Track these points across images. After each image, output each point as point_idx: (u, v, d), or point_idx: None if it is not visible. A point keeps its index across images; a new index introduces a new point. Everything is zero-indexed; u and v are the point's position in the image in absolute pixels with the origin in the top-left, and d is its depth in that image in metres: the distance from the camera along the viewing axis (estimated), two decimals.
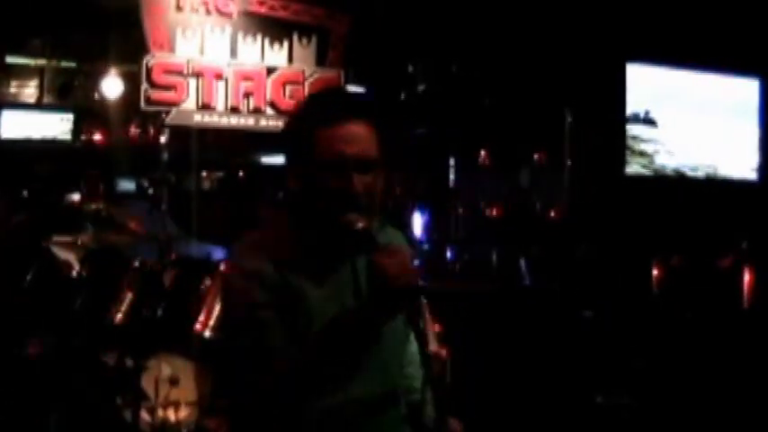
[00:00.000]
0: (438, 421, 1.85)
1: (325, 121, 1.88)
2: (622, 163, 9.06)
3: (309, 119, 1.92)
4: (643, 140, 9.18)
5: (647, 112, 9.16)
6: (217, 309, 3.95)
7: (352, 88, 7.92)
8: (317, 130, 1.88)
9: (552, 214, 9.82)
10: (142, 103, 6.36)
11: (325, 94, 2.18)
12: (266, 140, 8.23)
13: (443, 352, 4.49)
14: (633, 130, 9.13)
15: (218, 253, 5.18)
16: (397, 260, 1.76)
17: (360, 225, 1.81)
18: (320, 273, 1.89)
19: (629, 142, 9.10)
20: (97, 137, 11.11)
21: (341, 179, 1.84)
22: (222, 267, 4.05)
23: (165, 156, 6.87)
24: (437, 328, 4.48)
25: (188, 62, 6.38)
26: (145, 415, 4.11)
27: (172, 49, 6.34)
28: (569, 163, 9.13)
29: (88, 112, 11.00)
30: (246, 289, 1.83)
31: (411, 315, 1.79)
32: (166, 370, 4.23)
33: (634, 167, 9.17)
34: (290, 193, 1.95)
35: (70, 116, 10.90)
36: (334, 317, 1.80)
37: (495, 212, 10.20)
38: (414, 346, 1.98)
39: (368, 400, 1.87)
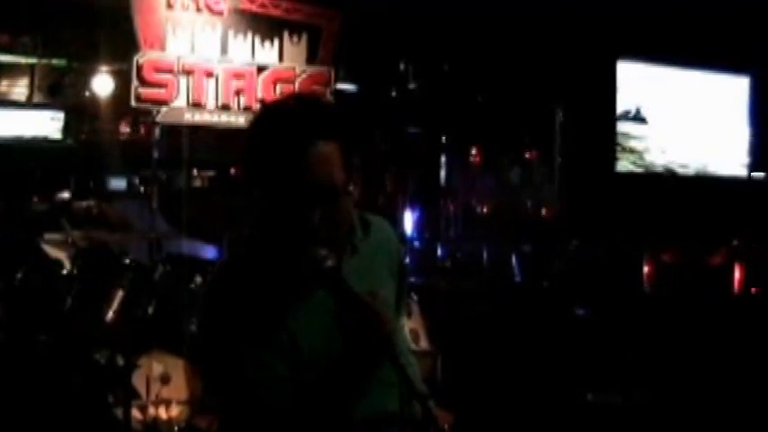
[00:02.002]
0: (426, 418, 1.80)
1: (284, 145, 1.68)
2: (613, 160, 9.09)
3: (267, 140, 1.71)
4: (633, 138, 9.21)
5: (637, 110, 9.19)
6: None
7: (340, 85, 7.93)
8: (276, 154, 1.68)
9: (543, 212, 9.84)
10: (132, 101, 6.33)
11: (282, 112, 1.80)
12: None
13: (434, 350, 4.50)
14: (623, 127, 9.16)
15: (208, 251, 5.18)
16: (368, 316, 1.66)
17: (329, 263, 1.67)
18: (299, 298, 1.77)
19: (620, 139, 9.13)
20: (88, 135, 11.08)
21: (305, 211, 1.68)
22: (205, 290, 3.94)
23: (156, 154, 6.85)
24: (427, 325, 4.50)
25: (178, 60, 6.36)
26: (136, 413, 4.11)
27: (162, 47, 6.31)
28: (560, 160, 9.16)
29: (79, 111, 10.96)
30: (230, 319, 1.73)
31: (387, 353, 1.72)
32: (158, 368, 4.23)
33: (624, 165, 9.20)
34: (256, 217, 1.81)
35: (61, 114, 10.85)
36: (324, 368, 1.70)
37: (486, 210, 10.22)
38: (405, 346, 1.99)
39: (368, 421, 1.81)
